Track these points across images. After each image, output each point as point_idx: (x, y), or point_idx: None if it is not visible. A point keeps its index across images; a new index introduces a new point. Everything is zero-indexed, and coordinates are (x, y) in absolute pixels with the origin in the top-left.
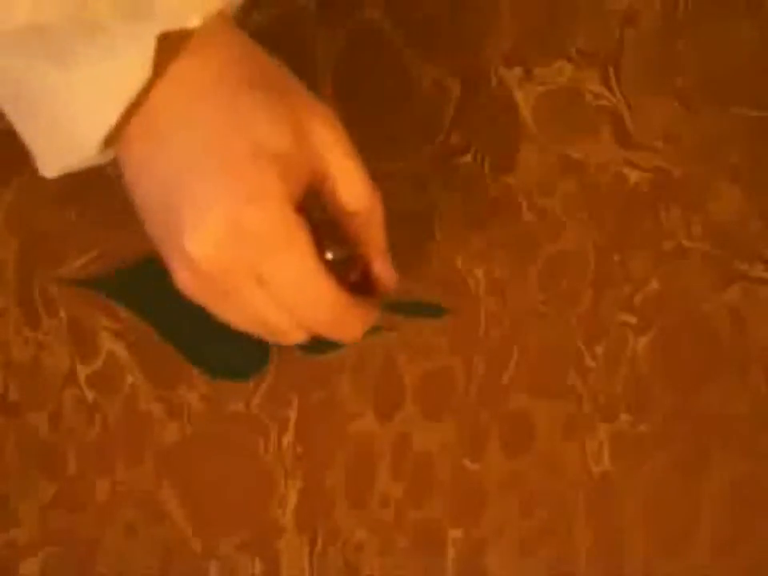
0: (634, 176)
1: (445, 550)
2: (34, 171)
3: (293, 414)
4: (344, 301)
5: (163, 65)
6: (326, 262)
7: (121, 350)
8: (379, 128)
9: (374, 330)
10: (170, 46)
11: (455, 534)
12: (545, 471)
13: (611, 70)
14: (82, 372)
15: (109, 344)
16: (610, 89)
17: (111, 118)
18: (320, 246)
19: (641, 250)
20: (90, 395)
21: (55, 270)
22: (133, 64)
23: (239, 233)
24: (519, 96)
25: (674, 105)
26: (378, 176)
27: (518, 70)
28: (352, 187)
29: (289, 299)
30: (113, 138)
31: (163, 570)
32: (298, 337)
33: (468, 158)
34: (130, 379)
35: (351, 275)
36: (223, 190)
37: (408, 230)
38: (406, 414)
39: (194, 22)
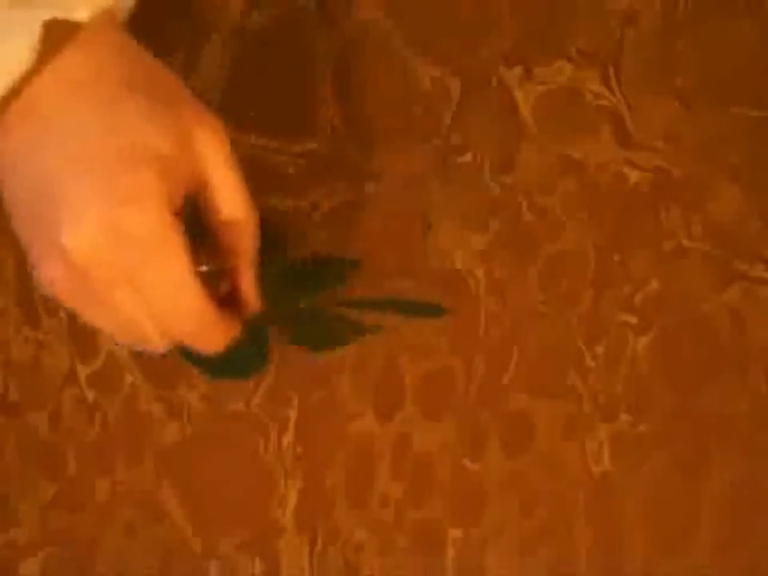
0: (634, 176)
1: (445, 550)
2: None
3: (293, 414)
4: (212, 314)
5: (49, 54)
6: (199, 273)
7: (121, 350)
8: (379, 128)
9: (375, 329)
10: (58, 35)
11: (455, 533)
12: (545, 471)
13: (611, 69)
14: (82, 372)
15: (109, 344)
16: (610, 89)
17: None
18: (194, 257)
19: (641, 250)
20: (90, 395)
21: None
22: (18, 49)
23: (116, 235)
24: (519, 96)
25: (674, 105)
26: (378, 176)
27: (517, 70)
28: (230, 197)
29: (159, 305)
30: None
31: (163, 570)
32: (162, 344)
33: (468, 157)
34: (129, 379)
35: (221, 288)
36: (98, 191)
37: (408, 229)
38: (405, 414)
39: (81, 14)
